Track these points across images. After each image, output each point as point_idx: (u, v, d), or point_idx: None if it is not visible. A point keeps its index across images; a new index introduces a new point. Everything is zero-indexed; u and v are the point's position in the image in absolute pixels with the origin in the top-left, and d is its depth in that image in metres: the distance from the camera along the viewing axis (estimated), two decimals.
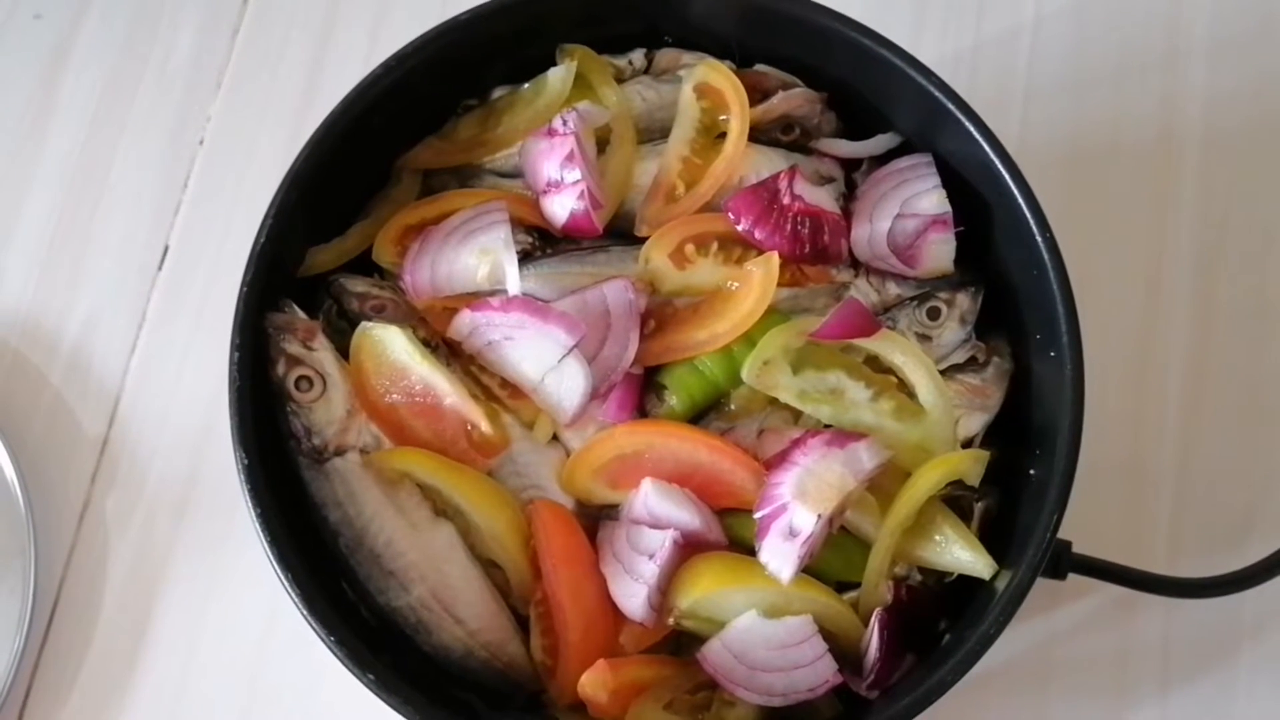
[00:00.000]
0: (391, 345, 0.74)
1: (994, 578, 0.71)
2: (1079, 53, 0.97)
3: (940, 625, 0.74)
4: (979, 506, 0.75)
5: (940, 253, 0.77)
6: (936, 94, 0.74)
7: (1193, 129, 0.95)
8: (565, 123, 0.76)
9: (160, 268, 0.95)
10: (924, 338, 0.77)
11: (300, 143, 0.74)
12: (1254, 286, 0.92)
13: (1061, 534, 0.70)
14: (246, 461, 0.70)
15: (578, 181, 0.75)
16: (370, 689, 0.67)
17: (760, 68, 0.82)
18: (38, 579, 0.86)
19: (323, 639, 0.68)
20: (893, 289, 0.78)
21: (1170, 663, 0.85)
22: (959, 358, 0.78)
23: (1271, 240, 0.93)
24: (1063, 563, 0.74)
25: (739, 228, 0.76)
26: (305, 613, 0.68)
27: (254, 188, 0.96)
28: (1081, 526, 0.74)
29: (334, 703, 0.86)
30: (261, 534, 0.69)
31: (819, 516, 0.68)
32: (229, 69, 1.00)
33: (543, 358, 0.73)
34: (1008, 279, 0.77)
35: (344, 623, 0.69)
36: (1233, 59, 0.96)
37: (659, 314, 0.76)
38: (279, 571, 0.68)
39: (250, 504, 0.69)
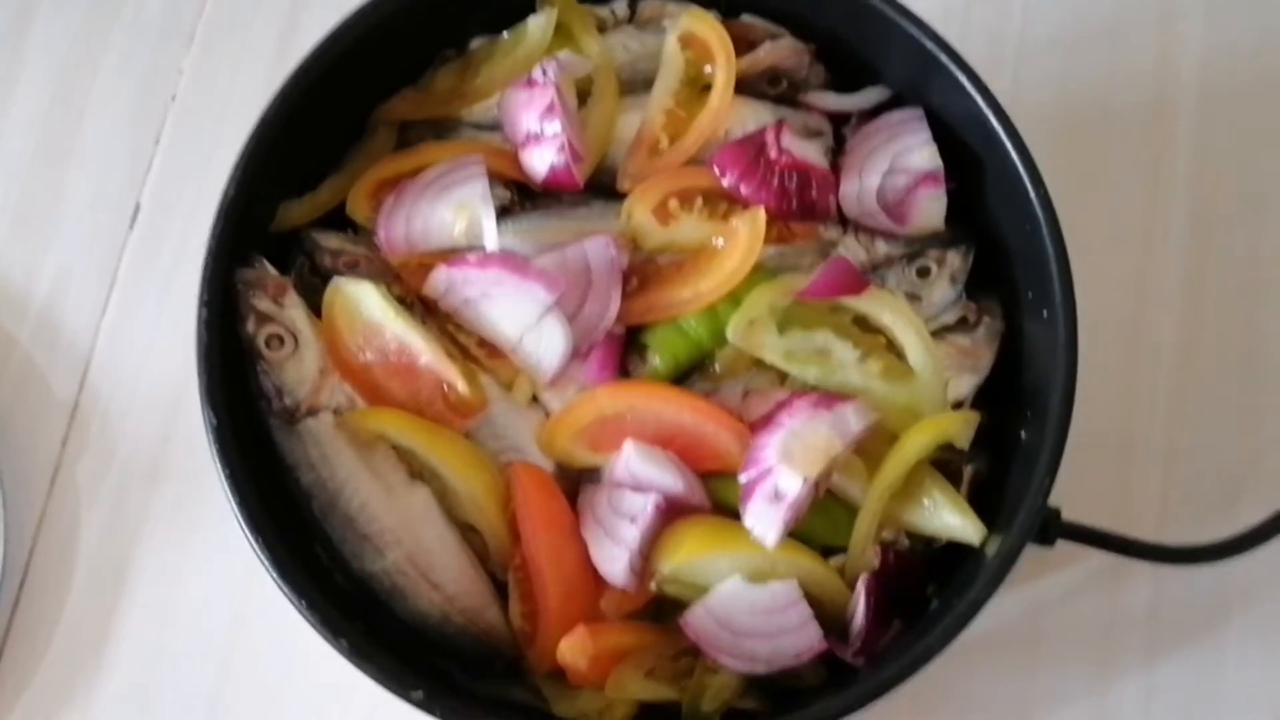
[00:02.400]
0: (365, 302, 0.72)
1: (983, 543, 0.70)
2: (1073, 9, 0.96)
3: (928, 591, 0.73)
4: (968, 470, 0.74)
5: (931, 209, 0.76)
6: (929, 45, 0.73)
7: (1189, 88, 0.94)
8: (545, 73, 0.75)
9: (132, 226, 0.94)
10: (914, 297, 0.76)
11: None
12: (1248, 250, 0.91)
13: (1049, 501, 0.69)
14: (215, 422, 0.69)
15: (558, 134, 0.74)
16: (343, 655, 0.66)
17: (747, 18, 0.81)
18: (7, 546, 0.85)
19: (293, 603, 0.67)
20: (882, 247, 0.77)
21: (1158, 630, 0.84)
22: (949, 318, 0.77)
23: (1266, 203, 0.92)
24: (1051, 529, 0.73)
25: (724, 182, 0.75)
26: (275, 576, 0.67)
27: (228, 144, 0.92)
28: (1070, 493, 0.73)
29: (311, 669, 0.85)
30: (231, 496, 0.68)
31: (805, 480, 0.67)
32: (202, 21, 0.97)
33: (521, 316, 0.72)
34: (999, 237, 0.76)
35: (317, 588, 0.68)
36: (1230, 18, 0.95)
37: (641, 271, 0.75)
38: (248, 534, 0.67)
39: (219, 465, 0.68)
